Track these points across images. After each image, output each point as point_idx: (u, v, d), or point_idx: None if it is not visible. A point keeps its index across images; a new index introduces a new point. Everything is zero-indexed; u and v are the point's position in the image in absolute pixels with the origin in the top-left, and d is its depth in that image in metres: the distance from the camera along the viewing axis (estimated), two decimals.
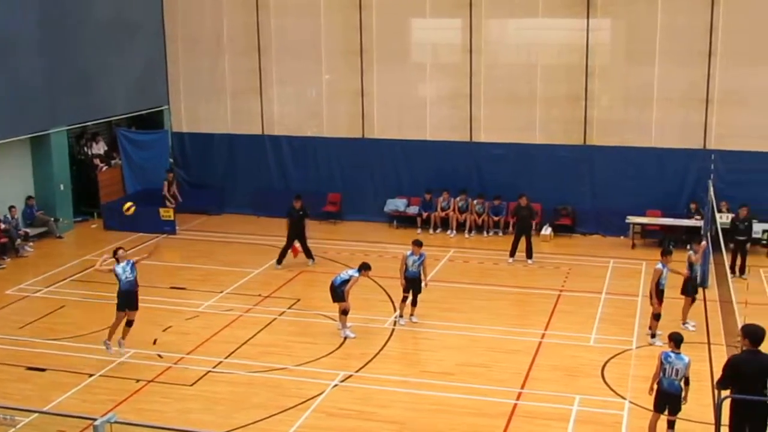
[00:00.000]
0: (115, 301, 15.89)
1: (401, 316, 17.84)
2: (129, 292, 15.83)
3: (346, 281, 17.05)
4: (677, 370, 12.33)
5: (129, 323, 16.01)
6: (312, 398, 14.40)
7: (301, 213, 21.67)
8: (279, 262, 21.66)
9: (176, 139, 27.99)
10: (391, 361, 16.13)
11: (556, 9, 24.56)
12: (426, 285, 17.90)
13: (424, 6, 25.68)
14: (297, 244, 21.79)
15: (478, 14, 24.96)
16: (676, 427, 12.57)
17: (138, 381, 15.09)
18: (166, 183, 26.30)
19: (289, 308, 18.75)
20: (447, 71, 25.99)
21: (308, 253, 21.88)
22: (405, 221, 25.72)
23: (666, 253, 16.73)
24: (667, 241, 21.79)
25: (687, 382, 12.41)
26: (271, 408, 14.07)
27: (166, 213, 25.00)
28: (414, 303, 17.77)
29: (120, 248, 16.22)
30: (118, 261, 15.89)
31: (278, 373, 15.46)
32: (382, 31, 25.79)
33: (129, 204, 19.38)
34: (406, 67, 26.29)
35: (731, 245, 20.47)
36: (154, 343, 16.74)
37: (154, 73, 27.34)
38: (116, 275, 15.79)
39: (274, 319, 18.17)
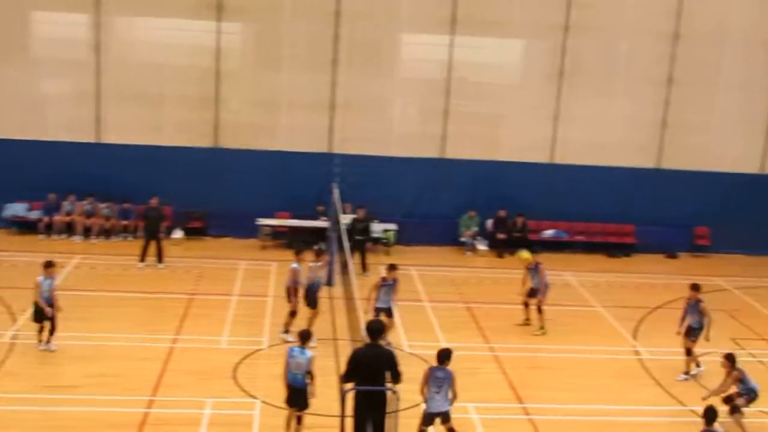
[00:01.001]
0: None
1: (48, 342, 16.29)
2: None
3: None
4: (299, 364, 12.74)
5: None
6: None
7: None
8: None
9: None
10: (9, 378, 14.98)
11: (185, 10, 24.47)
12: (59, 309, 16.57)
13: None
14: None
15: (106, 11, 24.19)
16: (304, 421, 13.00)
17: None
18: None
19: None
20: (71, 68, 24.82)
21: None
22: (26, 227, 24.21)
23: (299, 253, 17.54)
24: (297, 242, 22.56)
25: (312, 377, 12.86)
26: None
27: None
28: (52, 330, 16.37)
29: None
30: None
31: None
32: None
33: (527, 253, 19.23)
34: (26, 62, 24.70)
35: (352, 244, 21.63)
36: None
37: None
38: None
39: None
